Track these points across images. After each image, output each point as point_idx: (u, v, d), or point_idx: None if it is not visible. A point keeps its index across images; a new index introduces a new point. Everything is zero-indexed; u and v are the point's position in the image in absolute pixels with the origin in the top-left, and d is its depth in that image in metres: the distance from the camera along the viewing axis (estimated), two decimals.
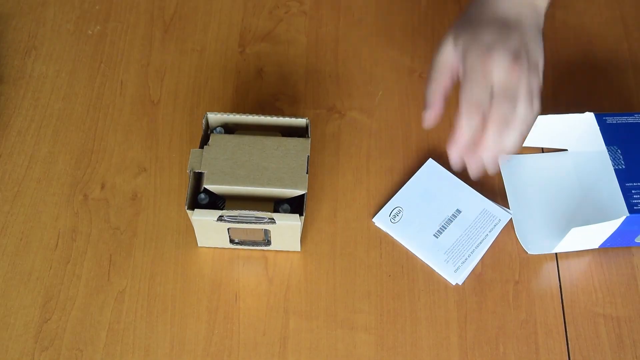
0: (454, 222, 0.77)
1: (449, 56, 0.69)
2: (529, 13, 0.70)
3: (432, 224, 0.77)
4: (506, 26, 0.68)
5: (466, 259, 0.75)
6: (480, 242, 0.76)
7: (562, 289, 0.75)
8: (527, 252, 0.75)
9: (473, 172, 0.69)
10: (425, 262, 0.75)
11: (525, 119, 0.66)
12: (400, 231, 0.77)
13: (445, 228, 0.77)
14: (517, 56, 0.66)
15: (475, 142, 0.66)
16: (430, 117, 0.70)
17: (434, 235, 0.76)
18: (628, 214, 0.70)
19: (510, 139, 0.66)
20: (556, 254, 0.76)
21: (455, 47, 0.69)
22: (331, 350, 0.71)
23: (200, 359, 0.70)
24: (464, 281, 0.74)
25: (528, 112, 0.66)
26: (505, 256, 0.76)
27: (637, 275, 0.75)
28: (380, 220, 0.77)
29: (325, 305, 0.73)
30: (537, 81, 0.67)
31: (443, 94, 0.70)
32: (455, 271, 0.74)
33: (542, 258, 0.76)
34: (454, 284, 0.74)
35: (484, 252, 0.76)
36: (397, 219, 0.77)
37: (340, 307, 0.73)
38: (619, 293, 0.74)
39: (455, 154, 0.67)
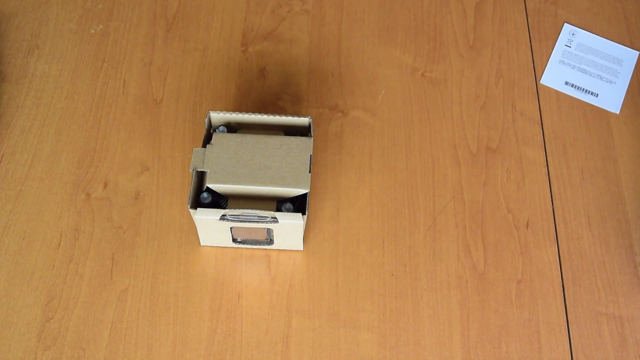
0: None
1: None
2: None
3: None
4: None
5: None
6: None
7: (565, 288, 0.75)
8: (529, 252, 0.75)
9: None
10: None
11: None
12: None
13: None
14: None
15: None
16: None
17: None
18: None
19: None
20: (558, 252, 0.76)
21: None
22: (334, 349, 0.71)
23: (202, 358, 0.70)
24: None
25: None
26: (508, 255, 0.76)
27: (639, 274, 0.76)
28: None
29: (328, 304, 0.73)
30: None
31: None
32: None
33: (544, 257, 0.76)
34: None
35: None
36: None
37: (342, 306, 0.73)
38: (622, 292, 0.74)
39: None
